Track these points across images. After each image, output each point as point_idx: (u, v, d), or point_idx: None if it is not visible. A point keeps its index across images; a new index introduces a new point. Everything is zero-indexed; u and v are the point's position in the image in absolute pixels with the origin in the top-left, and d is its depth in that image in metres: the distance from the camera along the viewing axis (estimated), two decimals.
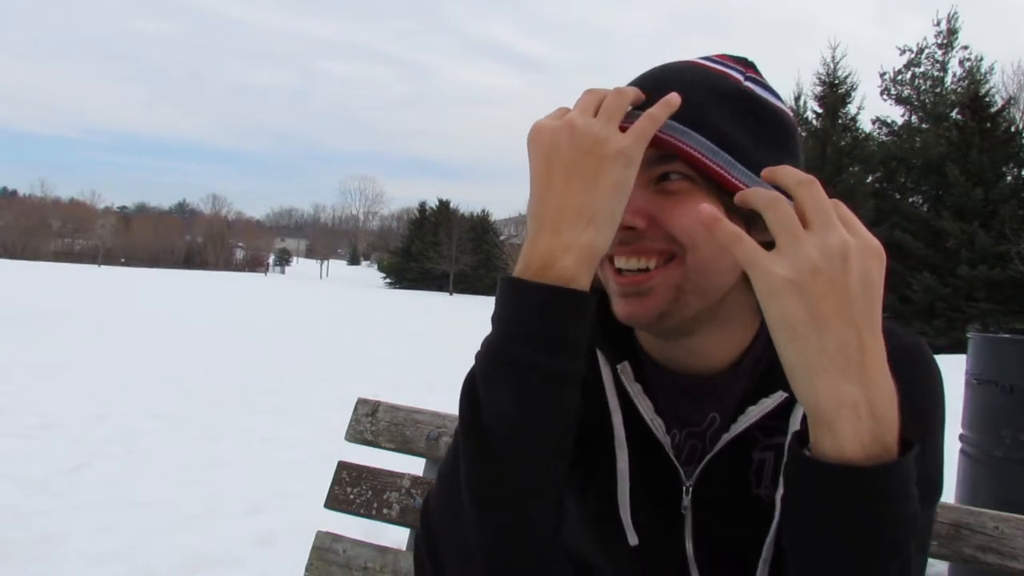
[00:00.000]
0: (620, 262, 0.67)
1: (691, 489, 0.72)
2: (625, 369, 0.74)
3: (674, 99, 0.63)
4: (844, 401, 0.52)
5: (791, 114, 0.72)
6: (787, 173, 0.58)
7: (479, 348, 0.62)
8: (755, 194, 0.58)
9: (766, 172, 0.60)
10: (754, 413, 0.69)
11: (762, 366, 0.72)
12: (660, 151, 0.64)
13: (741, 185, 0.64)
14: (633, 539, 0.73)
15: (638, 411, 0.73)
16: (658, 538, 0.73)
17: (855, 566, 0.54)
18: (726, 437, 0.70)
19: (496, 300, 0.62)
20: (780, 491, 0.67)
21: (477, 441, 0.59)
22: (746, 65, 0.72)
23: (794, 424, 0.68)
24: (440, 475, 0.65)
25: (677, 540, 0.72)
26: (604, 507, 0.74)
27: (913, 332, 0.72)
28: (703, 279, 0.66)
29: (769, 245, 0.56)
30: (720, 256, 0.64)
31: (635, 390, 0.73)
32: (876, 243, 0.55)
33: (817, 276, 0.53)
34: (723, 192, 0.64)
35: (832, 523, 0.54)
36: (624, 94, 0.64)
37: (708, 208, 0.57)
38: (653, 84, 0.67)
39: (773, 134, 0.68)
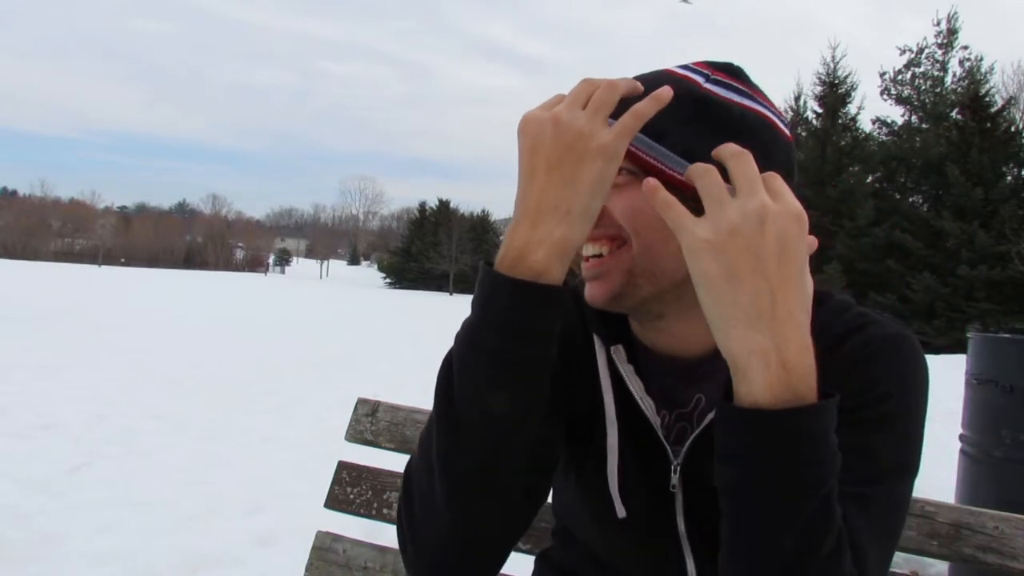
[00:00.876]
0: (584, 249, 0.73)
1: (679, 468, 0.75)
2: (618, 351, 0.77)
3: (665, 93, 0.65)
4: (754, 350, 0.57)
5: (764, 111, 0.73)
6: (724, 148, 0.62)
7: (459, 329, 0.66)
8: (692, 168, 0.62)
9: (714, 152, 0.63)
10: None
11: None
12: None
13: (677, 175, 0.67)
14: (621, 511, 0.76)
15: (631, 392, 0.77)
16: (651, 515, 0.77)
17: (772, 504, 0.58)
18: (709, 417, 0.73)
19: (476, 284, 0.66)
20: None
21: (448, 418, 0.65)
22: (716, 69, 0.74)
23: None
24: (420, 440, 0.71)
25: (669, 517, 0.76)
26: (597, 484, 0.78)
27: (899, 323, 0.75)
28: (650, 263, 0.71)
29: None
30: (663, 242, 0.68)
31: (627, 370, 0.77)
32: (797, 208, 0.59)
33: (734, 236, 0.57)
34: (666, 184, 0.67)
35: (746, 463, 0.58)
36: (615, 87, 0.65)
37: (652, 181, 0.62)
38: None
39: (730, 131, 0.69)
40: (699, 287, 0.59)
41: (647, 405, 0.76)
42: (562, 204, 0.62)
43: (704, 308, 0.59)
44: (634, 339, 0.81)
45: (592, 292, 0.74)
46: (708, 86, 0.72)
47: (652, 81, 0.70)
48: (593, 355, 0.80)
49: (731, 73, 0.74)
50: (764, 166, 0.63)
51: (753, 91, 0.74)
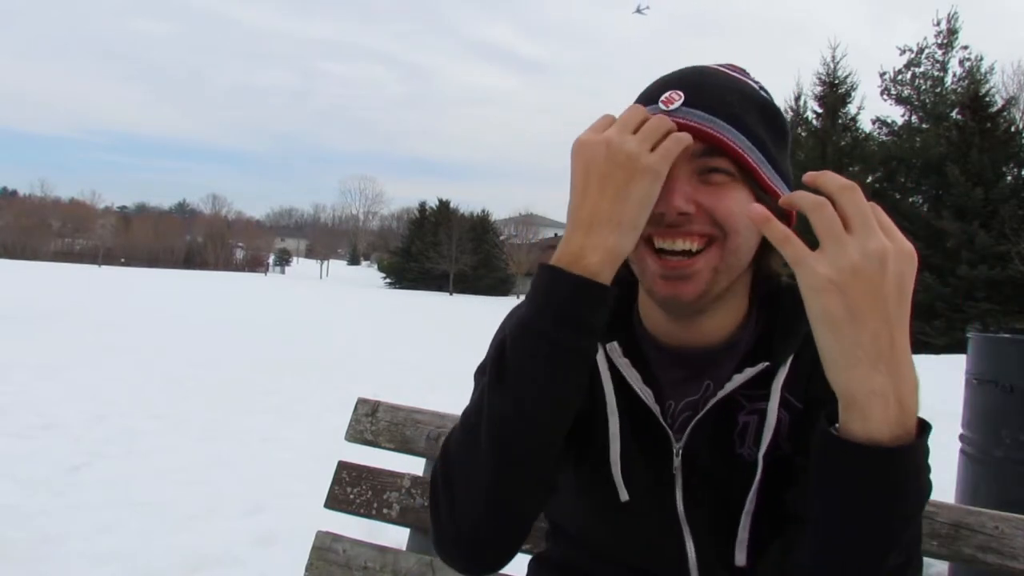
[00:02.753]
0: (665, 244, 0.74)
1: (681, 451, 0.79)
2: (613, 347, 0.81)
3: (685, 138, 0.71)
4: (875, 390, 0.58)
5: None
6: (830, 179, 0.62)
7: (511, 319, 0.74)
8: (802, 197, 0.62)
9: (808, 177, 0.64)
10: (738, 380, 0.77)
11: (754, 339, 0.81)
12: (708, 144, 0.72)
13: (770, 182, 0.74)
14: (624, 495, 0.80)
15: (631, 384, 0.81)
16: (651, 498, 0.81)
17: (874, 533, 0.60)
18: (712, 402, 0.78)
19: (533, 282, 0.71)
20: (762, 451, 0.76)
21: (503, 397, 0.69)
22: (744, 73, 0.81)
23: (775, 390, 0.76)
24: (463, 419, 0.74)
25: (669, 500, 0.80)
26: (599, 473, 0.82)
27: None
28: (735, 260, 0.75)
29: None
30: (751, 240, 0.74)
31: (623, 363, 0.81)
32: (910, 248, 0.60)
33: (857, 277, 0.58)
34: (756, 187, 0.74)
35: (857, 496, 0.60)
36: (666, 122, 0.71)
37: (760, 208, 0.62)
38: (691, 84, 0.76)
39: (781, 136, 0.79)
40: (820, 325, 0.60)
41: (646, 394, 0.80)
42: (614, 216, 0.68)
43: (822, 346, 0.60)
44: (638, 334, 0.85)
45: (680, 290, 0.75)
46: (762, 92, 0.79)
47: (720, 77, 0.77)
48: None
49: (746, 75, 0.81)
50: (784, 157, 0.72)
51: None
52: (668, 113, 0.73)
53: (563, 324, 0.68)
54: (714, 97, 0.73)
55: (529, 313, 0.70)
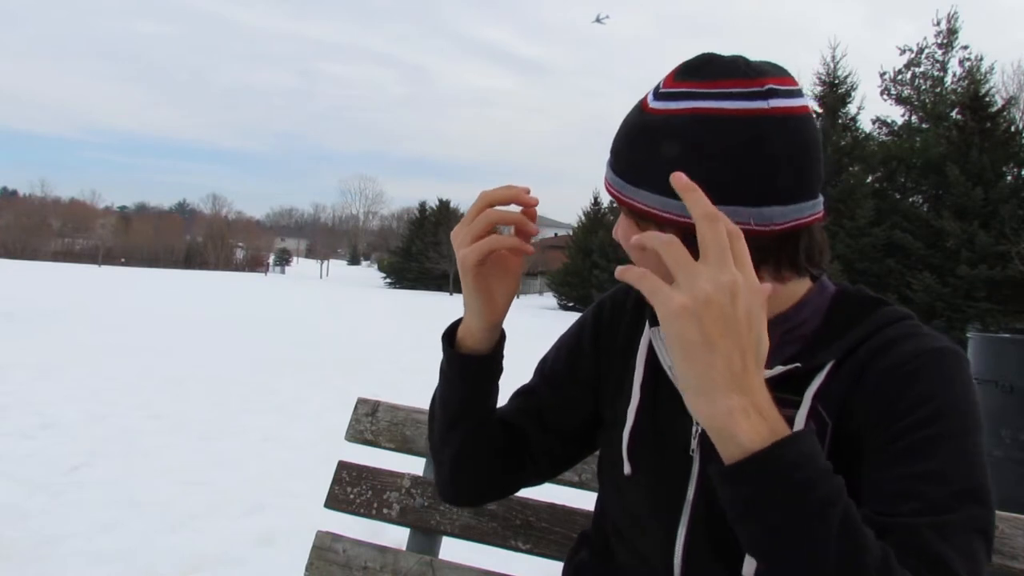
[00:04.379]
0: None
1: (699, 434, 0.80)
2: (656, 331, 0.86)
3: (503, 240, 0.84)
4: (733, 408, 0.61)
5: (710, 104, 0.71)
6: (692, 204, 0.63)
7: None
8: (650, 238, 0.65)
9: (678, 182, 0.65)
10: (764, 375, 0.75)
11: (808, 340, 0.79)
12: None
13: (653, 210, 0.74)
14: (627, 469, 0.85)
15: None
16: (659, 478, 0.84)
17: (798, 536, 0.60)
18: None
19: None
20: None
21: (430, 408, 0.97)
22: (673, 75, 0.75)
23: (807, 398, 0.74)
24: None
25: (680, 482, 0.82)
26: (615, 448, 0.88)
27: (948, 338, 0.77)
28: (663, 277, 0.77)
29: None
30: (651, 258, 0.68)
31: (660, 344, 0.85)
32: (757, 283, 0.63)
33: (709, 306, 0.61)
34: (648, 219, 0.75)
35: (762, 509, 0.61)
36: (488, 216, 0.82)
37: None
38: (612, 144, 0.80)
39: (656, 146, 0.73)
40: (677, 350, 0.62)
41: (675, 374, 0.81)
42: (464, 301, 0.87)
43: (680, 372, 0.63)
44: None
45: None
46: (652, 104, 0.75)
47: (624, 124, 0.79)
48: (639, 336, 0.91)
49: (684, 75, 0.73)
50: (699, 164, 0.69)
51: (705, 84, 0.72)
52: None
53: (443, 376, 0.93)
54: (614, 153, 0.79)
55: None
